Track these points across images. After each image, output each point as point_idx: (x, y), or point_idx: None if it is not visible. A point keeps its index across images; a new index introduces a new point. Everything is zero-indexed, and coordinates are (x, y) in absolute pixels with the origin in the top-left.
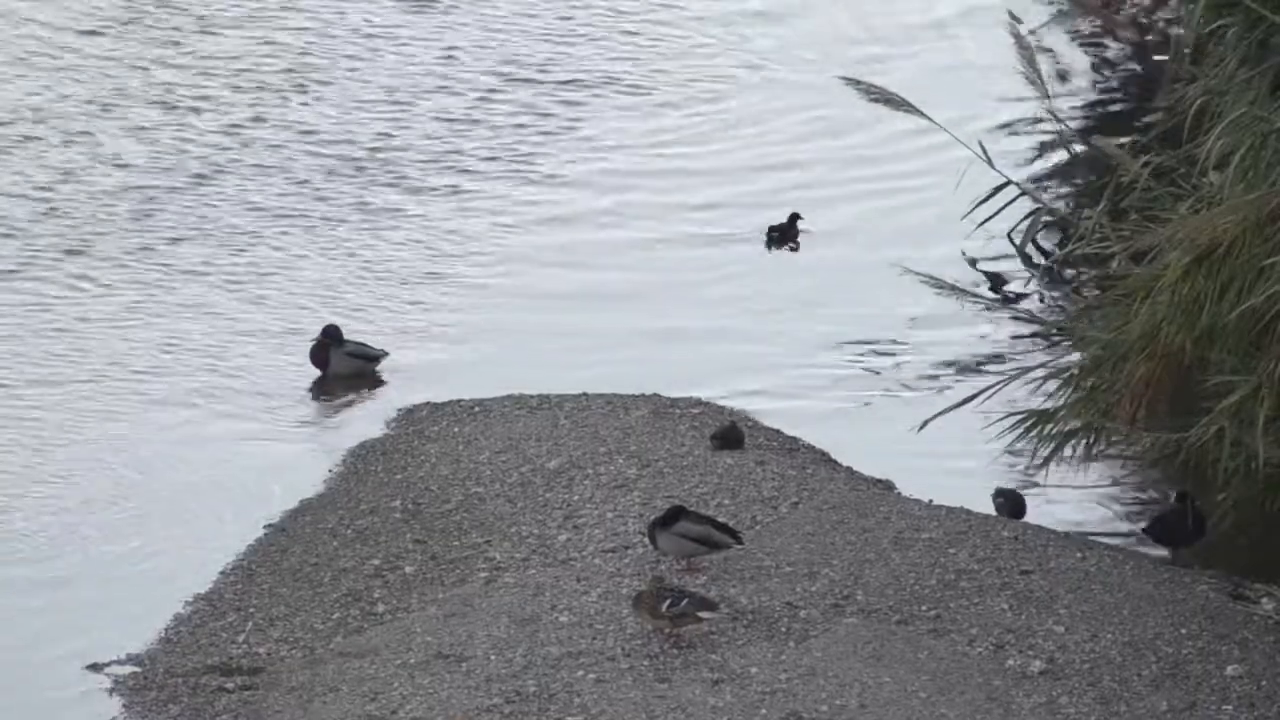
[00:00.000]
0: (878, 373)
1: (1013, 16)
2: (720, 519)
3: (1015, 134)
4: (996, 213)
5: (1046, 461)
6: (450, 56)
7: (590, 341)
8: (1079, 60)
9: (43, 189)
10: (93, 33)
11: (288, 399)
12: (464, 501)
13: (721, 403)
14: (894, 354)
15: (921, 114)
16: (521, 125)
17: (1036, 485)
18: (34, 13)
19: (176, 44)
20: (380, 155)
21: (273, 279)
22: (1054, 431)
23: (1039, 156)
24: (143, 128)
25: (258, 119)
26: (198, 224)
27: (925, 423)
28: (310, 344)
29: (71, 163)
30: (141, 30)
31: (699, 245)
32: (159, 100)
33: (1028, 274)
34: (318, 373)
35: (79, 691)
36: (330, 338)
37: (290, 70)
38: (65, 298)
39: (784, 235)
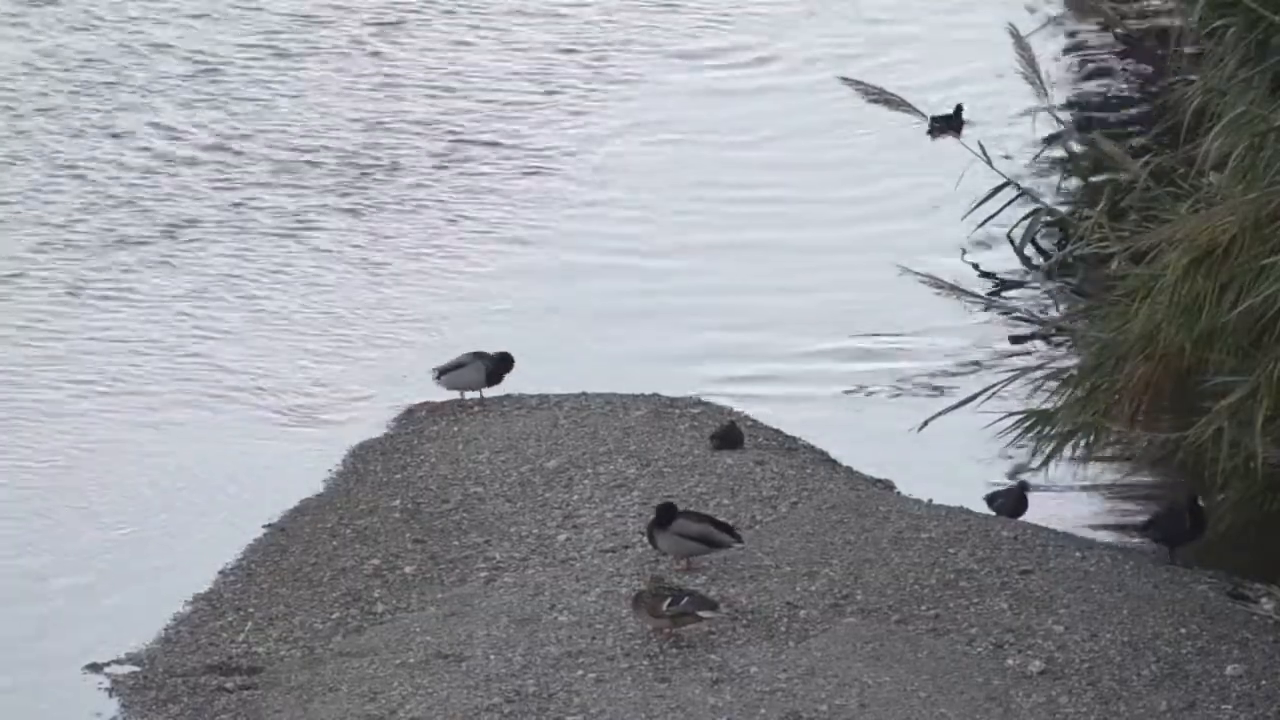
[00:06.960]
0: (877, 373)
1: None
2: (719, 518)
3: (1015, 134)
4: (996, 212)
5: (1046, 461)
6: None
7: (589, 340)
8: (1078, 60)
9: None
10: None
11: (287, 399)
12: (463, 501)
13: (721, 402)
14: (894, 354)
15: (921, 114)
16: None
17: (1035, 485)
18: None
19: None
20: (380, 152)
21: (271, 277)
22: (1053, 432)
23: (1039, 156)
24: (134, 129)
25: (259, 111)
26: (197, 224)
27: (925, 422)
28: (482, 359)
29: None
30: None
31: (701, 252)
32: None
33: (1027, 274)
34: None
35: (79, 691)
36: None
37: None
38: (65, 299)
39: (948, 124)
